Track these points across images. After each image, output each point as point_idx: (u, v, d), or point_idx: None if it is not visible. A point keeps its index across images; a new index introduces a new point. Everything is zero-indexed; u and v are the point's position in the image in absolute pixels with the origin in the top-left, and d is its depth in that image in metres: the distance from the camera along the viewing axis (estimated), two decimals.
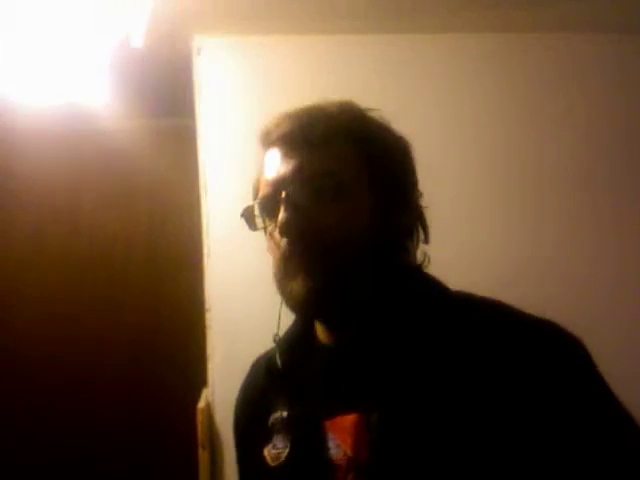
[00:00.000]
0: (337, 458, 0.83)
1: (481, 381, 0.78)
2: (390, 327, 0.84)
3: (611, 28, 2.06)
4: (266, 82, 2.01)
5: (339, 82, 1.89)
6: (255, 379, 1.00)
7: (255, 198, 0.91)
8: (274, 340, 0.94)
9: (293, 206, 0.83)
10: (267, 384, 0.94)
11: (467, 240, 1.96)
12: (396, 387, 0.81)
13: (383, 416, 0.80)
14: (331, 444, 0.84)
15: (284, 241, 0.84)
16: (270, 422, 0.90)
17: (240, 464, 1.02)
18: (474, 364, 0.79)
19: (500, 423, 0.76)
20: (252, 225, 0.90)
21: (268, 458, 0.88)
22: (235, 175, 1.71)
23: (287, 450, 0.87)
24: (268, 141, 0.89)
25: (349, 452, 0.82)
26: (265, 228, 0.89)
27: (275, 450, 0.88)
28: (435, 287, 0.90)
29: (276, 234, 0.86)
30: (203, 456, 1.87)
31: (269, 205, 0.87)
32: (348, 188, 0.85)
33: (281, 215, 0.83)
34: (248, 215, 0.90)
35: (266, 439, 0.89)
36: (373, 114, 0.92)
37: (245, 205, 0.90)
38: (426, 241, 0.93)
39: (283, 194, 0.84)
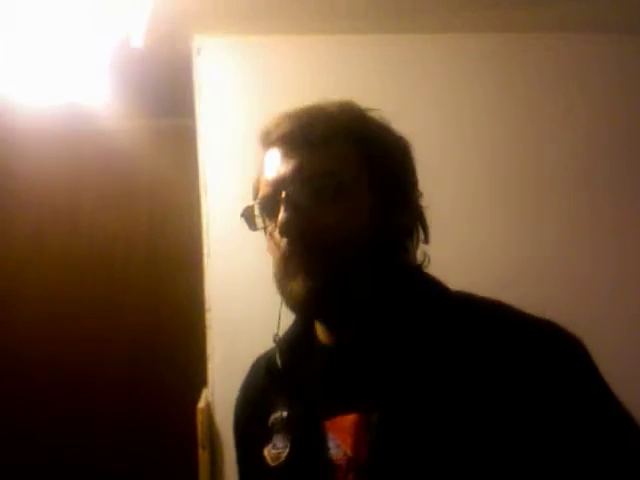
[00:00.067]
0: (337, 458, 0.83)
1: (481, 381, 0.78)
2: (390, 327, 0.84)
3: (611, 28, 2.06)
4: (266, 82, 2.00)
5: (339, 82, 1.89)
6: (255, 379, 1.00)
7: (255, 198, 0.90)
8: (274, 340, 0.94)
9: (293, 206, 0.83)
10: (267, 384, 0.94)
11: (467, 240, 1.96)
12: (396, 387, 0.81)
13: (383, 416, 0.80)
14: (331, 444, 0.84)
15: (284, 241, 0.84)
16: (270, 422, 0.90)
17: (240, 464, 1.02)
18: (474, 364, 0.79)
19: (500, 423, 0.76)
20: (252, 225, 0.90)
21: (268, 458, 0.88)
22: (235, 175, 1.71)
23: (287, 450, 0.87)
24: (268, 141, 0.89)
25: (349, 452, 0.82)
26: (265, 228, 0.89)
27: (275, 450, 0.88)
28: (435, 287, 0.90)
29: (276, 234, 0.86)
30: (203, 456, 1.87)
31: (269, 205, 0.87)
32: (348, 188, 0.85)
33: (281, 215, 0.83)
34: (248, 215, 0.90)
35: (266, 439, 0.89)
36: (373, 114, 0.92)
37: (245, 205, 0.90)
38: (426, 241, 0.93)
39: (283, 194, 0.84)
